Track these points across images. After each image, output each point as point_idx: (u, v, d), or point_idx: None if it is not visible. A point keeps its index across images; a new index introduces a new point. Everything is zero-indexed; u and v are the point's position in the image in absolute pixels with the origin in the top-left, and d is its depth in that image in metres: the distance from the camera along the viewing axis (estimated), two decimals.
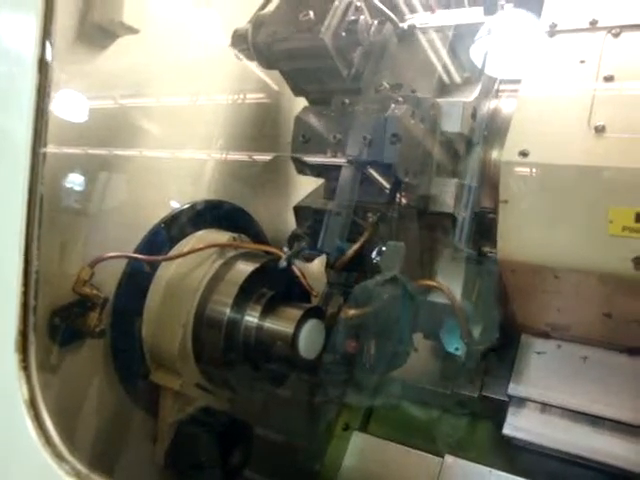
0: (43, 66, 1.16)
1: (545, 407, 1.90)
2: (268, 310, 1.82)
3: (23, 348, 1.16)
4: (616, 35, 1.58)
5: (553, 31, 1.68)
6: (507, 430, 1.92)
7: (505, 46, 1.73)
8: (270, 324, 1.81)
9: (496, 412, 2.01)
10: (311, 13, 1.52)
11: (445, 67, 1.67)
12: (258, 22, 1.68)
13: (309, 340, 1.77)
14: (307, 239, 1.75)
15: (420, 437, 2.15)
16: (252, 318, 1.81)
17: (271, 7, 1.73)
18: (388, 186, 1.57)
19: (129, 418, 1.85)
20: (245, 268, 1.85)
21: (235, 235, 1.95)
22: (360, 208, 1.66)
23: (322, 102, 1.74)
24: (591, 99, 1.54)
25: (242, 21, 1.84)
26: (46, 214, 1.54)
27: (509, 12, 1.77)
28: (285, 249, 1.86)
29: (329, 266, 1.78)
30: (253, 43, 1.67)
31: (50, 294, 1.58)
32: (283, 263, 1.73)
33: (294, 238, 1.79)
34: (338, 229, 1.73)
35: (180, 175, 1.97)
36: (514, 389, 1.93)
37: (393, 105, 1.49)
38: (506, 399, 1.98)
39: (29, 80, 1.15)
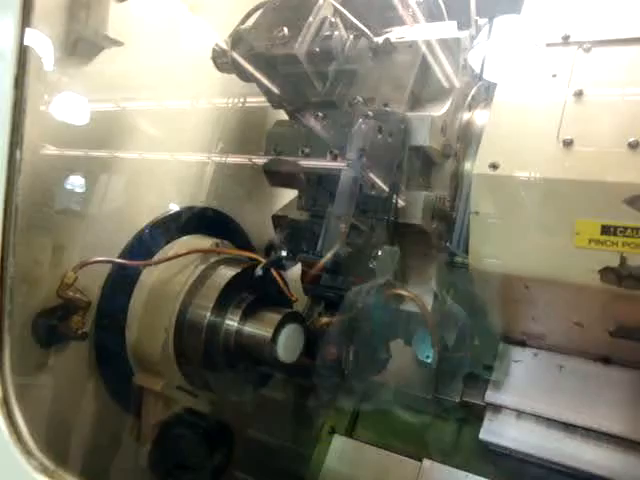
0: (20, 81, 1.22)
1: (521, 413, 1.94)
2: (248, 314, 1.89)
3: None
4: (587, 50, 1.62)
5: (528, 45, 1.73)
6: (483, 435, 1.96)
7: (481, 58, 1.78)
8: (249, 328, 1.87)
9: (478, 417, 2.04)
10: (285, 29, 1.58)
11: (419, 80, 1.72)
12: (237, 37, 1.75)
13: (288, 344, 1.83)
14: (284, 248, 1.79)
15: (406, 441, 2.20)
16: (232, 322, 1.88)
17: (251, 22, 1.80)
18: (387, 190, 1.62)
19: (113, 419, 1.92)
20: (226, 273, 1.93)
21: (218, 241, 2.02)
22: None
23: (299, 115, 1.79)
24: (561, 113, 1.58)
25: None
26: (38, 217, 1.66)
27: (484, 26, 1.83)
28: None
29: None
30: (232, 57, 1.73)
31: (38, 296, 1.67)
32: (259, 272, 1.79)
33: (271, 247, 1.83)
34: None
35: (167, 180, 2.04)
36: (491, 396, 1.97)
37: (360, 120, 1.54)
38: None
39: (5, 97, 1.21)
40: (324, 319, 1.74)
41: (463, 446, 2.17)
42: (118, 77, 1.79)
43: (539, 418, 1.90)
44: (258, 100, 2.08)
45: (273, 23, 1.66)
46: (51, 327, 1.66)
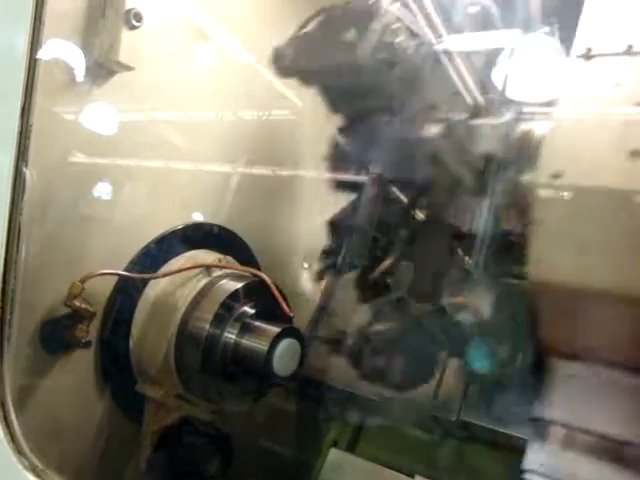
0: (25, 112, 1.35)
1: (567, 443, 1.85)
2: (247, 328, 1.99)
3: None
4: None
5: (588, 55, 1.74)
6: (527, 465, 1.85)
7: (539, 69, 1.81)
8: (247, 341, 1.96)
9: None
10: (348, 36, 1.66)
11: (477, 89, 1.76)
12: (298, 41, 1.82)
13: (284, 358, 1.93)
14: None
15: (404, 458, 2.22)
16: (230, 335, 1.97)
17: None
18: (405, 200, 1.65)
19: (116, 425, 2.00)
20: (227, 287, 2.04)
21: (221, 256, 2.14)
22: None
23: (358, 121, 1.87)
24: (625, 122, 1.58)
25: None
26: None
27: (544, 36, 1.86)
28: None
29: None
30: (293, 61, 1.81)
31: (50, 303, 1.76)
32: None
33: (328, 252, 1.95)
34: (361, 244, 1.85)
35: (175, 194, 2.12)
36: (539, 411, 1.89)
37: (425, 126, 1.56)
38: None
39: (13, 121, 1.34)
40: None
41: (461, 464, 2.17)
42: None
43: (587, 447, 1.80)
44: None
45: (335, 29, 1.73)
46: (57, 334, 1.75)
